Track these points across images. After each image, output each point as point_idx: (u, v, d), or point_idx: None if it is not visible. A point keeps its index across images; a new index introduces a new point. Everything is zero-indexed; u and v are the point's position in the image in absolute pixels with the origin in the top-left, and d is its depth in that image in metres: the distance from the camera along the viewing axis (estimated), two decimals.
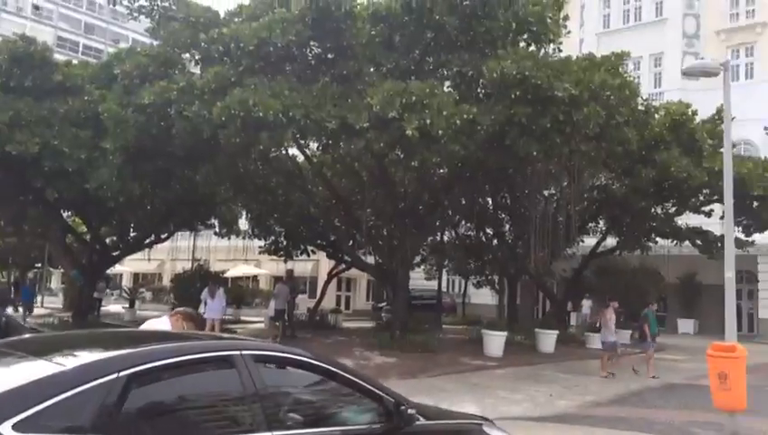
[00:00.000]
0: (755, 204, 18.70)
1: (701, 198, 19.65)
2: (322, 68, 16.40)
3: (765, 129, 26.73)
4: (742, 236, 19.94)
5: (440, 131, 13.63)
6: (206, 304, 16.84)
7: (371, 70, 16.32)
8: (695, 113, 18.66)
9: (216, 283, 18.51)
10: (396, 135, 14.13)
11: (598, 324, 16.20)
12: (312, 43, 15.85)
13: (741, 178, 16.79)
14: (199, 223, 24.84)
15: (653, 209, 20.21)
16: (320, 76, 16.06)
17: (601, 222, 22.48)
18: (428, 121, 13.40)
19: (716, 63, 10.59)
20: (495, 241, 23.98)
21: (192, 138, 15.33)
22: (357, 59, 15.59)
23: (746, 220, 19.60)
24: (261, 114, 13.56)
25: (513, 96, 14.61)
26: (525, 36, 17.83)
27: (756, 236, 20.87)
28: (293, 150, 19.37)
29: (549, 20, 17.32)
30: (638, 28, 32.53)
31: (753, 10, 30.09)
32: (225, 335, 6.82)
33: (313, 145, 19.22)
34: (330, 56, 16.25)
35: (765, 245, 23.24)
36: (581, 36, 34.22)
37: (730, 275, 9.59)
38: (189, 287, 22.52)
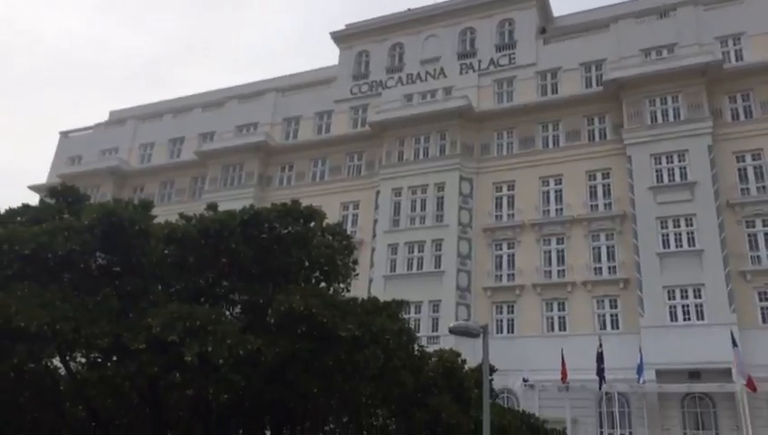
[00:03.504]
0: None
1: None
2: (106, 280, 15.65)
3: (524, 380, 29.60)
4: None
5: (221, 360, 13.27)
6: None
7: (159, 289, 15.89)
8: (464, 362, 20.16)
9: None
10: (174, 360, 13.47)
11: None
12: (98, 253, 15.26)
13: (502, 428, 17.97)
14: None
15: None
16: (101, 289, 15.24)
17: None
18: (210, 349, 13.05)
19: (477, 326, 11.84)
20: None
21: None
22: (144, 276, 15.17)
23: None
24: (22, 324, 12.28)
25: (299, 331, 14.89)
26: (317, 274, 18.80)
27: None
28: (56, 361, 17.42)
29: (339, 262, 18.56)
30: (420, 276, 35.84)
31: (513, 274, 34.89)
32: None
33: (81, 359, 17.52)
34: (116, 269, 15.66)
35: None
36: (371, 276, 36.79)
37: None
38: None
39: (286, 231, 17.67)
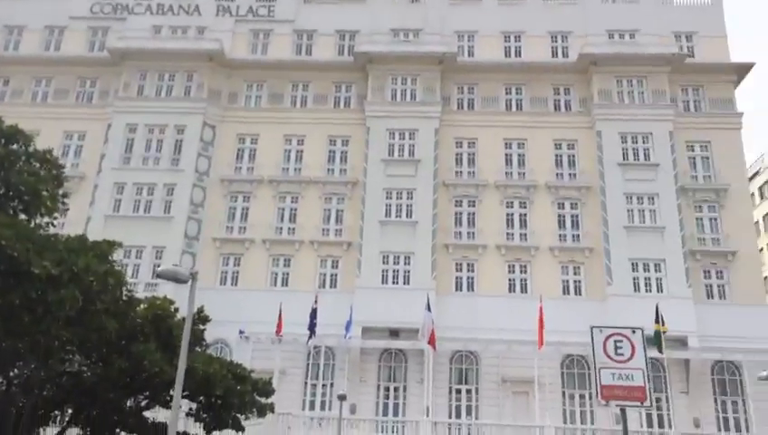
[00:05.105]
0: (219, 402, 20.05)
1: (172, 393, 20.13)
2: None
3: (240, 332, 30.01)
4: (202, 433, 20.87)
5: None
6: None
7: None
8: (176, 310, 19.69)
9: None
10: None
11: None
12: None
13: (207, 377, 18.03)
14: None
15: (124, 402, 19.78)
16: None
17: (69, 411, 20.83)
18: None
19: (186, 272, 11.62)
20: None
21: None
22: None
23: (208, 418, 20.65)
24: None
25: None
26: (15, 203, 16.83)
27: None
28: None
29: (45, 193, 16.84)
30: (146, 220, 34.01)
31: (245, 227, 34.93)
32: None
33: None
34: None
35: None
36: (90, 214, 34.01)
37: None
38: None
39: None
